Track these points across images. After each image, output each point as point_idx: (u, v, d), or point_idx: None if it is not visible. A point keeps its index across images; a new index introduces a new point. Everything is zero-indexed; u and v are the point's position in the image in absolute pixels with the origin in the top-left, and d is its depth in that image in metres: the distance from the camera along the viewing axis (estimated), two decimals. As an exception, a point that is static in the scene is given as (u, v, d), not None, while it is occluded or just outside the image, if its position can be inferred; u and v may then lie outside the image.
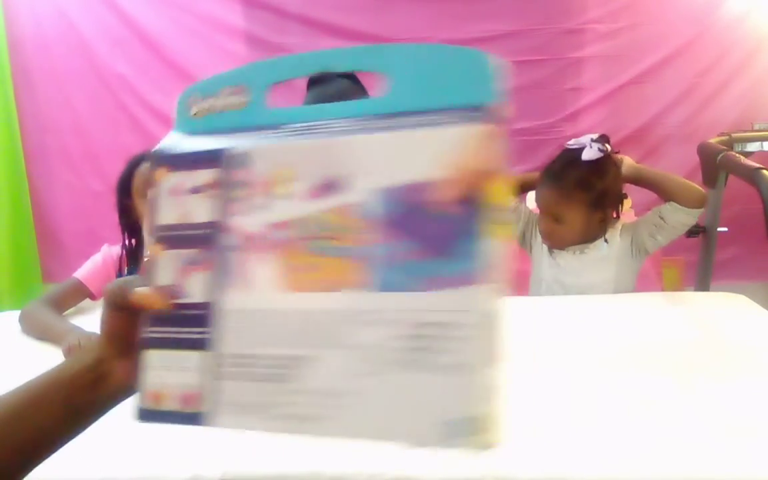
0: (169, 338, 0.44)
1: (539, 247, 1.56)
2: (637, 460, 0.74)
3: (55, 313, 1.35)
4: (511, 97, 0.36)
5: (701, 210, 1.44)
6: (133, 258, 1.48)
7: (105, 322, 0.47)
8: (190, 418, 0.42)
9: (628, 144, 2.24)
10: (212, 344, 0.42)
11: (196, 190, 0.44)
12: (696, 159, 1.95)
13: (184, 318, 0.43)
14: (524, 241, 1.61)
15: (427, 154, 0.36)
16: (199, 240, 0.43)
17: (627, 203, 1.65)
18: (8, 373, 1.08)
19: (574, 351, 1.08)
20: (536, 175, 1.53)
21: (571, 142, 1.49)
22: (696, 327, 1.17)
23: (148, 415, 0.44)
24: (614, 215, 1.50)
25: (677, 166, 2.18)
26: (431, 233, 0.36)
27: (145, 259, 0.46)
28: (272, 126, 0.42)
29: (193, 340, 0.43)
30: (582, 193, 1.43)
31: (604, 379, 0.96)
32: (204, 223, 0.43)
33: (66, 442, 0.47)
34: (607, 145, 1.46)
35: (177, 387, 0.43)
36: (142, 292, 0.44)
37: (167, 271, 0.44)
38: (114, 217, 1.51)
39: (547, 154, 1.66)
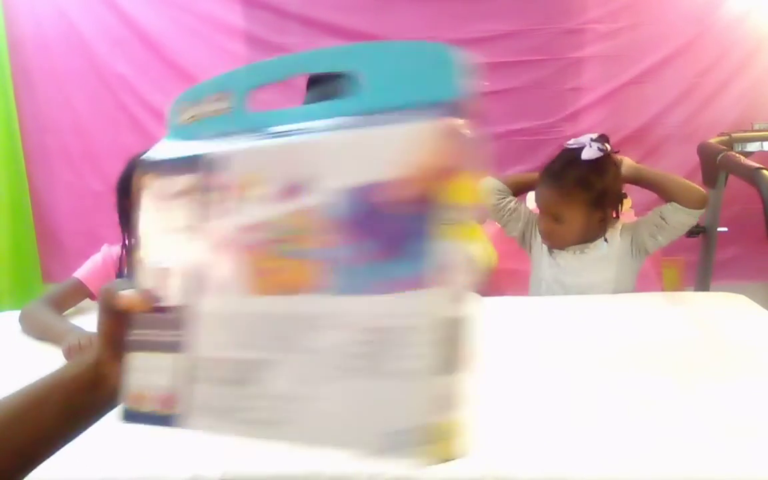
0: (150, 341, 0.44)
1: (539, 247, 1.56)
2: (637, 460, 0.74)
3: (55, 313, 1.35)
4: (481, 92, 0.35)
5: (702, 211, 1.44)
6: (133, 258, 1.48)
7: (99, 325, 0.47)
8: (167, 420, 0.43)
9: (628, 144, 2.24)
10: (187, 347, 0.42)
11: (177, 196, 0.44)
12: (696, 159, 1.95)
13: (164, 321, 0.44)
14: (524, 241, 1.61)
15: (386, 153, 0.36)
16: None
17: (627, 203, 1.65)
18: (8, 373, 1.08)
19: (574, 351, 1.08)
20: (536, 175, 1.53)
21: (571, 141, 1.49)
22: (696, 327, 1.17)
23: (131, 416, 0.45)
24: (614, 215, 1.50)
25: (677, 166, 2.18)
26: (387, 234, 0.35)
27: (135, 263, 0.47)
28: (251, 130, 0.43)
29: (171, 343, 0.43)
30: (582, 192, 1.43)
31: (604, 379, 0.96)
32: (182, 228, 0.44)
33: (66, 444, 0.48)
34: (606, 144, 1.46)
35: (156, 389, 0.44)
36: (125, 294, 0.45)
37: (151, 274, 0.45)
38: (114, 217, 1.51)
39: (547, 154, 1.66)
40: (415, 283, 0.34)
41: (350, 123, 0.38)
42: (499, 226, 1.64)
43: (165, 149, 0.47)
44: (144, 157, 0.47)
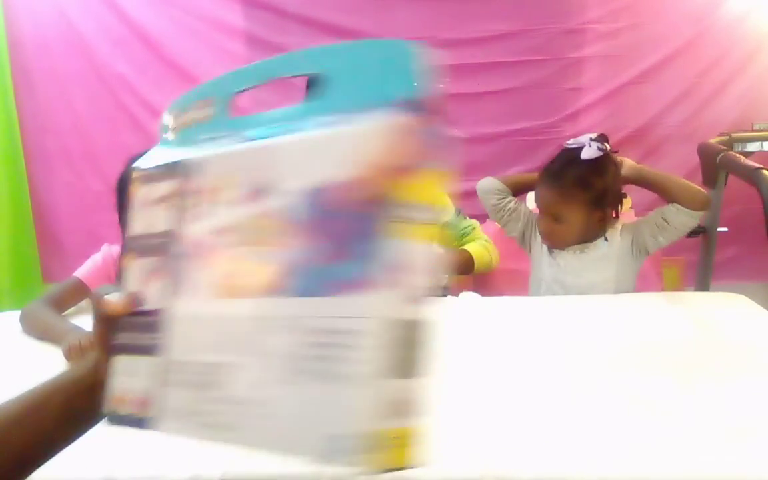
0: (131, 344, 0.45)
1: (539, 247, 1.56)
2: (637, 460, 0.74)
3: (55, 313, 1.35)
4: (440, 90, 0.34)
5: (704, 212, 1.44)
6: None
7: (93, 330, 0.48)
8: (142, 422, 0.43)
9: (628, 144, 2.24)
10: (162, 350, 0.43)
11: (158, 201, 0.45)
12: (696, 159, 1.95)
13: (144, 324, 0.44)
14: (524, 241, 1.61)
15: (340, 154, 0.35)
16: (158, 248, 0.44)
17: (627, 203, 1.65)
18: (9, 373, 1.08)
19: (574, 351, 1.08)
20: (536, 175, 1.53)
21: (570, 141, 1.49)
22: (696, 327, 1.17)
23: (113, 418, 0.46)
24: (614, 215, 1.50)
25: (677, 166, 2.18)
26: (340, 235, 0.34)
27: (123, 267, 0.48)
28: (231, 134, 0.43)
29: (149, 346, 0.43)
30: (581, 192, 1.43)
31: (604, 379, 0.96)
32: (161, 233, 0.44)
33: (65, 446, 0.48)
34: (606, 144, 1.46)
35: (135, 392, 0.44)
36: (110, 299, 0.46)
37: (135, 278, 0.46)
38: (114, 217, 1.51)
39: (547, 154, 1.66)
40: (364, 284, 0.33)
41: (315, 124, 0.38)
42: (499, 226, 1.64)
43: (154, 157, 0.48)
44: (133, 165, 0.48)
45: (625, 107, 2.38)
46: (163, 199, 0.45)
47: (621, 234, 1.49)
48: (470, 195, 1.66)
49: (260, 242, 0.38)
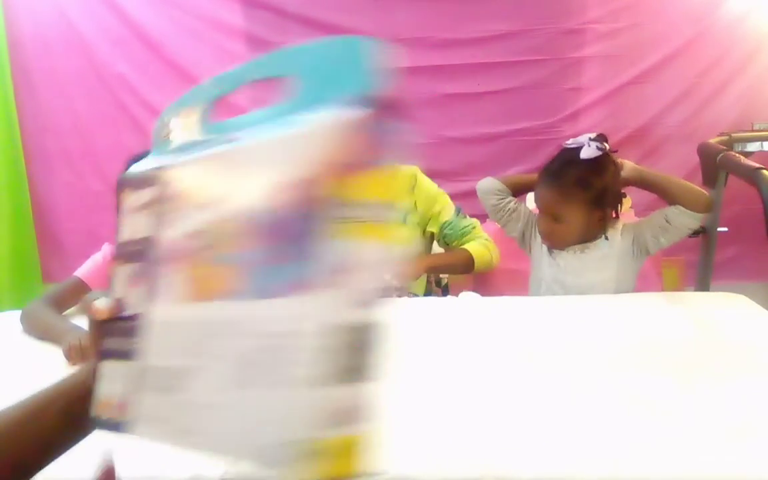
0: (115, 349, 0.45)
1: (539, 248, 1.56)
2: (637, 460, 0.74)
3: (56, 313, 1.35)
4: (397, 86, 0.33)
5: (707, 214, 1.44)
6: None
7: (89, 334, 0.49)
8: (120, 427, 0.44)
9: (628, 144, 2.24)
10: (139, 355, 0.43)
11: (141, 208, 0.46)
12: (696, 159, 1.95)
13: (126, 330, 0.45)
14: (524, 242, 1.61)
15: (292, 153, 0.35)
16: (139, 254, 0.45)
17: (626, 203, 1.65)
18: (9, 373, 1.08)
19: (574, 351, 1.08)
20: (535, 176, 1.53)
21: (569, 141, 1.49)
22: (696, 327, 1.17)
23: (98, 423, 0.46)
24: (614, 215, 1.50)
25: (677, 166, 2.18)
26: (290, 236, 0.34)
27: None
28: (210, 140, 0.43)
29: (129, 351, 0.44)
30: (581, 191, 1.43)
31: (604, 379, 0.96)
32: (142, 239, 0.45)
33: (65, 451, 0.49)
34: (605, 143, 1.46)
35: (116, 396, 0.44)
36: (97, 304, 0.47)
37: (120, 284, 0.46)
38: (114, 217, 1.51)
39: (546, 154, 1.67)
40: (306, 286, 0.32)
41: (275, 125, 0.38)
42: (499, 226, 1.64)
43: (143, 164, 0.49)
44: (123, 173, 0.49)
45: (625, 107, 2.38)
46: (145, 206, 0.45)
47: (622, 234, 1.49)
48: (470, 195, 1.66)
49: (223, 246, 0.38)
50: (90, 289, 1.45)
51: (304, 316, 0.31)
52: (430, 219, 1.70)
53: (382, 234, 0.33)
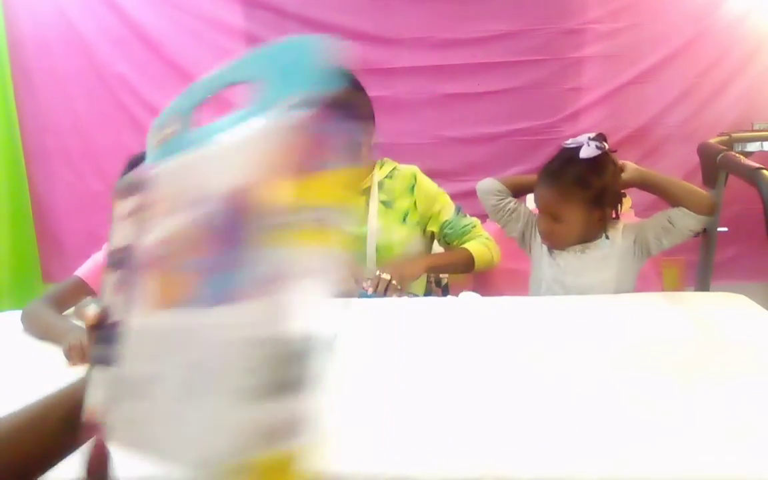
0: (101, 356, 0.46)
1: (539, 248, 1.56)
2: (637, 460, 0.74)
3: (56, 313, 1.35)
4: (347, 87, 0.33)
5: (710, 216, 1.44)
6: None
7: (88, 339, 0.49)
8: (104, 433, 0.44)
9: (628, 144, 2.25)
10: (117, 362, 0.43)
11: (127, 216, 0.46)
12: (696, 159, 1.95)
13: (110, 337, 0.45)
14: (524, 242, 1.61)
15: (237, 159, 0.35)
16: (122, 262, 0.45)
17: (627, 203, 1.65)
18: (9, 372, 1.08)
19: (574, 351, 1.08)
20: (535, 177, 1.53)
21: (569, 141, 1.49)
22: (696, 327, 1.17)
23: (91, 429, 0.46)
24: (614, 214, 1.50)
25: (677, 166, 2.18)
26: (230, 243, 0.33)
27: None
28: (187, 147, 0.44)
29: (111, 357, 0.44)
30: (580, 191, 1.43)
31: (604, 379, 0.96)
32: (125, 247, 0.45)
33: (66, 456, 0.50)
34: (604, 143, 1.46)
35: (100, 403, 0.45)
36: (86, 311, 0.47)
37: (108, 291, 0.47)
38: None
39: (547, 154, 1.67)
40: (236, 295, 0.30)
41: (231, 131, 0.38)
42: (499, 226, 1.64)
43: (135, 172, 0.49)
44: (117, 182, 0.50)
45: (625, 107, 2.39)
46: (130, 214, 0.46)
47: (623, 234, 1.49)
48: (470, 195, 1.66)
49: (186, 253, 0.38)
50: (90, 289, 1.45)
51: (234, 326, 0.30)
52: (430, 218, 1.70)
53: (327, 239, 0.31)
